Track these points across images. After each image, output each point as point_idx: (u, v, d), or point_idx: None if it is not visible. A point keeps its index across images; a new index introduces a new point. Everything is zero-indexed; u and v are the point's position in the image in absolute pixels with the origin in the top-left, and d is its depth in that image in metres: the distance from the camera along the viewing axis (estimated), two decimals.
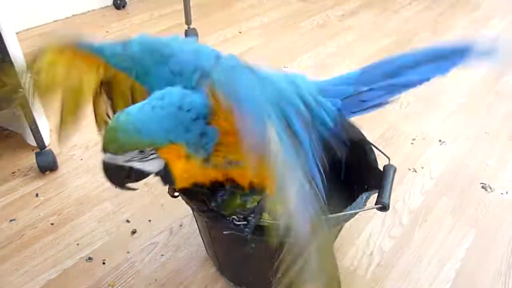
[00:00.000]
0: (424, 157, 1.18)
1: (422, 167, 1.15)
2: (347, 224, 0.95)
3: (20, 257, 0.87)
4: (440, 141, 1.24)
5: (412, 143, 1.23)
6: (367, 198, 0.67)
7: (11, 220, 0.94)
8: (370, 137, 0.77)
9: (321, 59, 1.65)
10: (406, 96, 1.44)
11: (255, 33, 1.83)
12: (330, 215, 0.62)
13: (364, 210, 0.64)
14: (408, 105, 1.40)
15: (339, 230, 0.73)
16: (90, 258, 0.87)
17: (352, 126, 0.68)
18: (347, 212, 0.63)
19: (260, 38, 1.79)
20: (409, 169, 1.14)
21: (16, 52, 0.98)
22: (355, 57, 1.66)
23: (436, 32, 1.89)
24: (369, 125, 0.80)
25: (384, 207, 0.63)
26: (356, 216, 0.97)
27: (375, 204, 0.64)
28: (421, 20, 2.01)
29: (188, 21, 1.69)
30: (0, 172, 1.07)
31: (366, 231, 0.96)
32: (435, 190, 1.08)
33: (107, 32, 1.79)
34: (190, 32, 1.70)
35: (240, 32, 1.83)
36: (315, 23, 1.95)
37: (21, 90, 0.98)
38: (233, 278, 0.82)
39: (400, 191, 1.07)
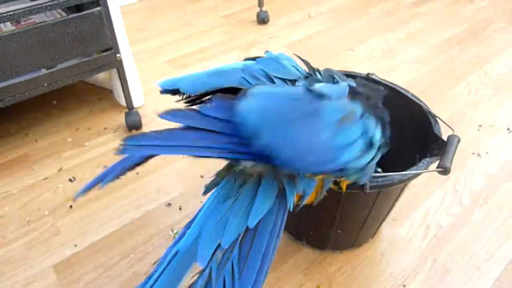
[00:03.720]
0: (490, 143, 1.18)
1: (487, 153, 1.14)
2: (406, 197, 1.00)
3: (111, 198, 1.01)
4: (508, 129, 1.23)
5: (478, 129, 1.23)
6: (429, 163, 0.71)
7: (104, 166, 1.09)
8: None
9: (388, 44, 1.67)
10: (476, 84, 1.42)
11: (323, 17, 1.88)
12: (393, 173, 0.67)
13: (425, 172, 0.69)
14: (477, 92, 1.38)
15: (401, 192, 0.78)
16: (169, 204, 0.99)
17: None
18: (409, 172, 0.68)
19: (329, 22, 1.83)
20: (473, 153, 1.14)
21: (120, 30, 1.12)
22: (424, 44, 1.66)
23: None
24: (434, 109, 0.82)
25: (445, 170, 0.67)
26: (416, 191, 1.01)
27: (437, 167, 0.68)
28: (498, 9, 1.94)
29: (260, 4, 1.77)
30: (95, 128, 1.22)
31: (424, 206, 1.00)
32: (499, 175, 1.08)
33: (184, 12, 1.93)
34: (261, 14, 1.78)
35: (309, 16, 1.88)
36: (384, 9, 1.95)
37: (118, 55, 1.13)
38: (294, 233, 0.90)
39: (462, 173, 1.08)
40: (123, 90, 1.16)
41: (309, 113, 0.51)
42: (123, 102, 1.24)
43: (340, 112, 0.52)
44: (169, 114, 0.48)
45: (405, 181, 0.69)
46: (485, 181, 1.06)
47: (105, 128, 1.22)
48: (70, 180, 1.06)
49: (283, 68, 0.63)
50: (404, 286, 0.83)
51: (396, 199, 0.80)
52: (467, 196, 1.02)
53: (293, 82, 0.63)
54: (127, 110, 1.19)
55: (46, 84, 1.01)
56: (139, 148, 0.46)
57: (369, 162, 0.57)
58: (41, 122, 1.25)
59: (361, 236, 0.86)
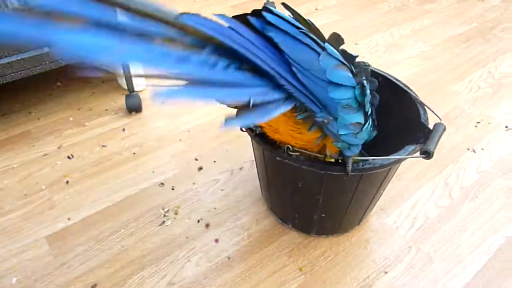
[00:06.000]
0: (486, 140, 1.18)
1: (482, 149, 1.14)
2: (396, 189, 1.01)
3: (107, 175, 1.04)
4: (506, 127, 1.22)
5: (476, 126, 1.23)
6: (413, 150, 0.72)
7: (102, 146, 1.12)
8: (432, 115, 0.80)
9: (393, 39, 1.66)
10: (478, 81, 1.42)
11: (331, 10, 1.88)
12: (376, 157, 0.69)
13: (408, 158, 0.70)
14: (479, 90, 1.38)
15: (384, 178, 0.79)
16: (162, 184, 1.02)
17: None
18: (391, 157, 0.69)
19: (336, 15, 1.84)
20: (468, 149, 1.14)
21: None
22: (429, 40, 1.65)
23: None
24: (433, 104, 0.81)
25: (428, 155, 0.67)
26: (407, 183, 1.02)
27: (420, 152, 0.69)
28: (508, 10, 1.91)
29: None
30: (96, 109, 1.26)
31: (414, 197, 1.00)
32: (492, 171, 1.08)
33: (194, 1, 1.95)
34: (268, 5, 1.79)
35: (316, 9, 1.89)
36: (392, 5, 1.94)
37: None
38: (281, 216, 0.92)
39: (455, 168, 1.09)
40: (123, 72, 1.18)
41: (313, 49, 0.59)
42: (125, 85, 1.27)
43: (337, 61, 0.61)
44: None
45: (387, 166, 0.70)
46: (477, 176, 1.06)
47: (106, 110, 1.25)
48: (68, 157, 1.09)
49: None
50: (386, 273, 0.84)
51: (381, 186, 0.81)
52: (457, 190, 1.02)
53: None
54: (127, 93, 1.22)
55: (48, 62, 1.04)
56: None
57: (354, 131, 0.64)
58: (45, 101, 1.28)
59: (345, 222, 0.87)
